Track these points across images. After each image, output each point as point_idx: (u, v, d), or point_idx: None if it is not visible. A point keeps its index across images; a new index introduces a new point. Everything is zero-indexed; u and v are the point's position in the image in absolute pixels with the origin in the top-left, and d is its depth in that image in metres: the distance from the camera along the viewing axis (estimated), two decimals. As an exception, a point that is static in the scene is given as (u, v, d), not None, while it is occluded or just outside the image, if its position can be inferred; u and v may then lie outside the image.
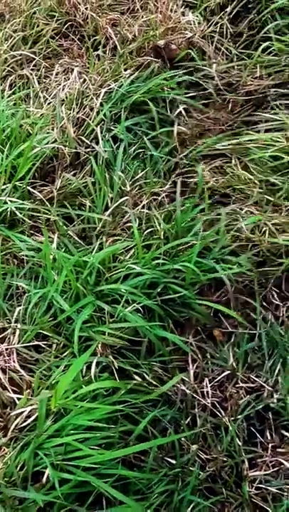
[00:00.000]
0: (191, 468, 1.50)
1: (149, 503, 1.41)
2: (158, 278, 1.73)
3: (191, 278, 1.77)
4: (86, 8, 2.73)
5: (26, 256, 1.85)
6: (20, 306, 1.74)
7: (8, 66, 2.49)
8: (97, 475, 1.40)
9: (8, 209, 1.90)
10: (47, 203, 1.99)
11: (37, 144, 2.04)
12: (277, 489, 1.46)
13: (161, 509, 1.43)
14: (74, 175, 2.10)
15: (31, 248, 1.85)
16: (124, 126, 2.17)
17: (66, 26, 2.74)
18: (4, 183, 1.95)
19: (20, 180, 1.99)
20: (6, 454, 1.47)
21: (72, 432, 1.45)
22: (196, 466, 1.51)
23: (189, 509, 1.43)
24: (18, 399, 1.59)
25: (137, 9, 2.83)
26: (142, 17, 2.73)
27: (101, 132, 2.13)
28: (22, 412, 1.54)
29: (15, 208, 1.90)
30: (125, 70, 2.41)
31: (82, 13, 2.72)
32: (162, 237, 1.87)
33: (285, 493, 1.46)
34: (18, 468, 1.43)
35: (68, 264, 1.67)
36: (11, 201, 1.91)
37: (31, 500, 1.39)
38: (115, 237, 1.88)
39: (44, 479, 1.40)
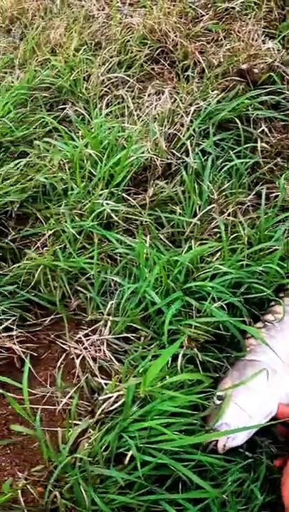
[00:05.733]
0: (262, 460, 1.49)
1: (224, 490, 1.41)
2: (242, 278, 1.74)
3: (272, 279, 1.78)
4: (176, 36, 2.81)
5: (120, 255, 1.90)
6: (112, 300, 1.79)
7: (105, 87, 2.59)
8: (176, 460, 1.41)
9: (105, 211, 1.96)
10: (139, 209, 2.04)
11: (132, 153, 2.10)
12: None
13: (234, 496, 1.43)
14: (165, 184, 2.15)
15: (126, 247, 1.90)
16: (212, 141, 2.21)
17: (157, 52, 2.83)
18: (102, 189, 2.02)
19: (116, 187, 2.06)
20: (91, 435, 1.50)
21: (156, 417, 1.47)
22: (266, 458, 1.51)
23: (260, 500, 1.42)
24: (106, 385, 1.63)
25: (221, 39, 2.91)
26: (226, 45, 2.80)
27: (191, 146, 2.19)
28: (109, 398, 1.57)
29: (110, 210, 1.96)
30: (212, 90, 2.46)
31: (172, 40, 2.80)
32: (246, 243, 1.89)
33: None
34: (102, 449, 1.45)
35: (161, 261, 1.72)
36: (107, 203, 1.98)
37: (112, 480, 1.41)
38: (203, 241, 1.91)
39: (126, 461, 1.42)
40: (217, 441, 1.48)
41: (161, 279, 1.73)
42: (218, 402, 1.55)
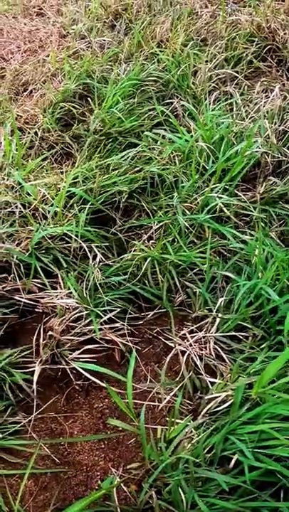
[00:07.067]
0: None
1: None
2: None
3: None
4: (285, 34, 2.73)
5: (230, 251, 1.84)
6: (222, 296, 1.72)
7: (213, 83, 2.54)
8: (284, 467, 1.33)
9: (217, 206, 1.90)
10: (250, 205, 1.97)
11: (248, 148, 2.04)
12: None
13: None
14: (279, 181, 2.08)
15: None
16: None
17: (265, 50, 2.76)
18: (214, 183, 1.96)
19: (230, 182, 2.00)
20: (193, 436, 1.44)
21: (267, 421, 1.40)
22: None
23: None
24: (212, 384, 1.57)
25: None
26: None
27: (304, 144, 2.11)
28: (216, 397, 1.50)
29: (222, 204, 1.90)
30: None
31: (282, 38, 2.72)
32: None
33: None
34: (206, 451, 1.39)
35: (278, 259, 1.64)
36: (220, 197, 1.92)
37: (213, 484, 1.34)
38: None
39: (231, 464, 1.35)
40: None
41: (276, 278, 1.65)
42: None
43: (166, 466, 1.36)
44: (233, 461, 1.36)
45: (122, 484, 1.42)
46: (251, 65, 2.70)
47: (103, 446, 1.54)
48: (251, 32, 2.81)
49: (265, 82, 2.55)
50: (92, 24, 3.11)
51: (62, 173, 2.14)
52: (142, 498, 1.36)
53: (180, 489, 1.32)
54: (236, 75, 2.58)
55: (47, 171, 2.17)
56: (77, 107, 2.50)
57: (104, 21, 3.17)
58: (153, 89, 2.51)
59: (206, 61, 2.64)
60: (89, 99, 2.54)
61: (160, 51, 2.71)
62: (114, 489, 1.39)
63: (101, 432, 1.56)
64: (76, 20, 3.22)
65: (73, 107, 2.49)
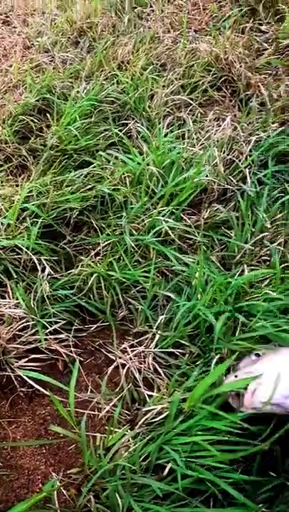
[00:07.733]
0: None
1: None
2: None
3: None
4: (240, 66, 2.87)
5: (172, 272, 1.94)
6: (163, 314, 1.83)
7: (168, 108, 2.65)
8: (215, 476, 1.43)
9: (163, 228, 2.01)
10: (194, 229, 2.08)
11: (196, 175, 2.15)
12: None
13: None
14: (223, 208, 2.19)
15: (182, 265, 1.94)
16: (271, 171, 2.26)
17: (220, 81, 2.89)
18: (162, 207, 2.07)
19: (177, 206, 2.11)
20: (130, 444, 1.53)
21: (199, 432, 1.50)
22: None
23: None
24: (149, 397, 1.66)
25: (280, 74, 2.97)
26: (286, 81, 2.87)
27: (249, 174, 2.23)
28: (153, 409, 1.60)
29: (168, 227, 2.01)
30: (272, 123, 2.52)
31: (237, 70, 2.86)
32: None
33: None
34: (142, 459, 1.48)
35: (216, 282, 1.76)
36: (166, 221, 2.03)
37: (148, 490, 1.44)
38: (252, 267, 1.95)
39: (165, 472, 1.45)
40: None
41: (214, 300, 1.77)
42: (254, 357, 1.62)
43: (104, 472, 1.46)
44: (166, 469, 1.46)
45: (62, 488, 1.50)
46: (206, 93, 2.81)
47: (44, 451, 1.62)
48: (209, 62, 2.92)
49: (218, 111, 2.67)
50: (57, 38, 3.17)
51: (17, 186, 2.21)
52: (80, 502, 1.44)
53: (117, 494, 1.42)
54: (191, 102, 2.69)
55: (2, 182, 2.23)
56: (36, 121, 2.57)
57: (69, 37, 3.23)
58: (110, 110, 2.60)
59: (164, 86, 2.75)
60: (48, 114, 2.61)
61: (120, 73, 2.80)
62: (55, 492, 1.48)
63: (43, 437, 1.64)
64: (41, 33, 3.28)
65: (32, 120, 2.55)
